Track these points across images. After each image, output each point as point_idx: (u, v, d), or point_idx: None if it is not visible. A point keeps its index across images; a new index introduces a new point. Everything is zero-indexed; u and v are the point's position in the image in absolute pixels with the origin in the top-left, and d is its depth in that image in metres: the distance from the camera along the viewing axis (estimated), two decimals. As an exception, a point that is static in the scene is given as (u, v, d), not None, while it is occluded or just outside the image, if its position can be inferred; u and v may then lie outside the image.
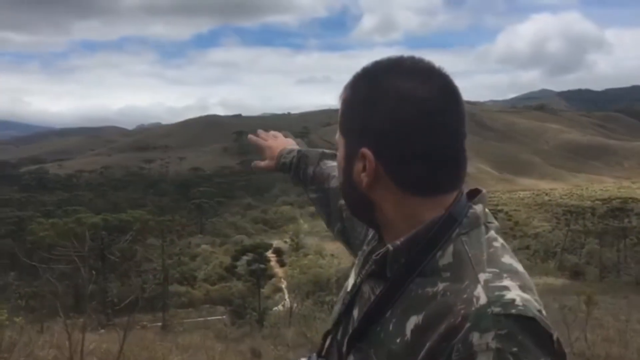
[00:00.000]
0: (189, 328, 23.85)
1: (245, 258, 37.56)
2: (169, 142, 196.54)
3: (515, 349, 0.77)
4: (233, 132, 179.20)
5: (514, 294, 0.81)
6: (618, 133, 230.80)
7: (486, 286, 0.83)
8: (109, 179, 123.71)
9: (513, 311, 0.79)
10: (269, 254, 45.99)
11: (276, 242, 57.37)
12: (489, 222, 0.95)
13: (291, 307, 24.58)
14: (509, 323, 0.78)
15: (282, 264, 48.59)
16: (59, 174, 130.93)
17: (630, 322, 10.54)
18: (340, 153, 1.00)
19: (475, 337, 0.78)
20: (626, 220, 62.18)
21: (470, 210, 0.93)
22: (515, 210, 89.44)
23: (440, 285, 0.87)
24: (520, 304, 0.80)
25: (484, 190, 1.01)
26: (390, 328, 0.90)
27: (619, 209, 67.23)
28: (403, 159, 0.91)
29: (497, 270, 0.86)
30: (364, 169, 0.93)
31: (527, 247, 55.78)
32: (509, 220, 73.53)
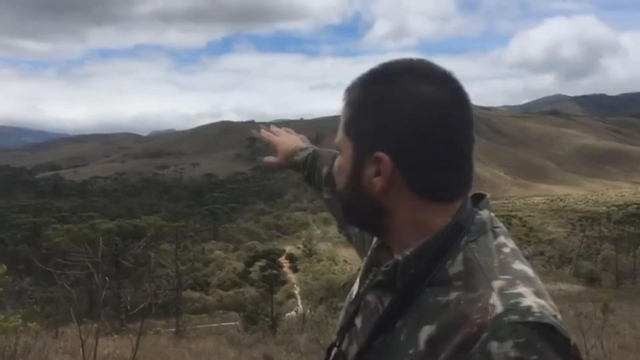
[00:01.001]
0: (202, 334, 23.90)
1: (258, 264, 37.59)
2: (183, 149, 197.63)
3: (534, 357, 0.76)
4: (246, 138, 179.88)
5: (530, 300, 0.81)
6: (633, 138, 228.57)
7: (501, 294, 0.82)
8: (123, 185, 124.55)
9: (530, 318, 0.78)
10: (282, 260, 46.00)
11: (289, 248, 57.40)
12: (496, 227, 0.93)
13: (304, 313, 24.51)
14: (527, 331, 0.78)
15: (295, 269, 48.60)
16: (74, 180, 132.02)
17: (648, 330, 10.41)
18: (345, 156, 0.96)
19: (493, 346, 0.77)
20: (642, 226, 61.50)
21: (477, 217, 0.92)
22: (529, 216, 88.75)
23: (453, 294, 0.85)
24: (537, 310, 0.79)
25: (488, 195, 0.99)
26: (402, 339, 0.88)
27: (635, 214, 66.43)
28: (421, 163, 0.89)
29: (510, 277, 0.85)
30: (378, 173, 0.91)
31: (542, 253, 55.34)
32: (524, 226, 72.96)
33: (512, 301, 0.80)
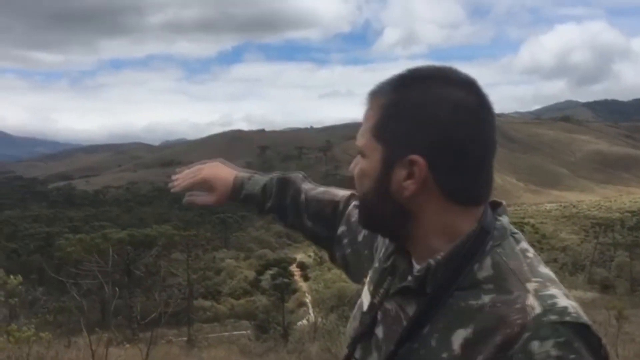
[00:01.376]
0: (213, 343, 23.91)
1: (269, 272, 37.58)
2: (194, 158, 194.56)
3: (573, 356, 0.79)
4: (257, 147, 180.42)
5: (564, 301, 0.84)
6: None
7: (537, 295, 0.84)
8: (135, 194, 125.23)
9: (568, 318, 0.82)
10: (293, 268, 45.94)
11: (300, 256, 57.32)
12: (514, 233, 0.96)
13: (315, 322, 24.44)
14: (566, 330, 0.81)
15: (306, 278, 48.52)
16: (87, 190, 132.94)
17: (663, 337, 10.28)
18: (371, 160, 0.95)
19: (535, 345, 0.80)
20: (657, 232, 60.85)
21: (497, 222, 0.94)
22: (542, 222, 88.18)
23: (486, 298, 0.87)
24: (573, 311, 0.83)
25: (504, 202, 1.00)
26: (433, 344, 0.89)
27: (649, 220, 65.88)
28: (455, 167, 0.91)
29: (541, 280, 0.88)
30: (409, 176, 0.92)
31: (555, 260, 54.78)
32: (536, 233, 72.46)
33: (549, 302, 0.83)
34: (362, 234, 1.28)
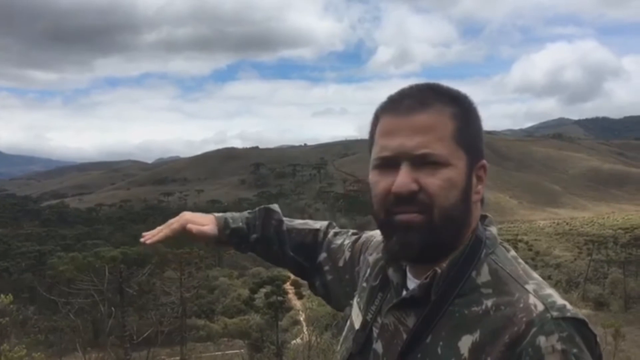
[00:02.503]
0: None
1: (263, 290, 37.38)
2: (188, 175, 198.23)
3: (575, 350, 0.85)
4: (251, 165, 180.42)
5: (561, 300, 0.91)
6: (638, 161, 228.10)
7: (537, 295, 0.91)
8: (128, 212, 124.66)
9: (568, 314, 0.88)
10: (287, 286, 45.68)
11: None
12: (502, 243, 1.02)
13: (309, 340, 24.27)
14: (567, 326, 0.87)
15: (300, 296, 48.23)
16: (79, 208, 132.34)
17: (659, 355, 10.25)
18: (458, 168, 0.96)
19: (542, 340, 0.85)
20: (650, 249, 60.99)
21: (487, 232, 1.00)
22: (535, 239, 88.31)
23: (488, 302, 0.92)
24: (571, 308, 0.90)
25: (489, 215, 1.05)
26: (439, 352, 0.92)
27: (642, 237, 66.05)
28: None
29: (537, 281, 0.94)
30: (479, 180, 1.00)
31: (549, 277, 54.72)
32: (530, 250, 72.60)
33: (549, 300, 0.90)
34: (343, 259, 1.31)
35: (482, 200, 1.01)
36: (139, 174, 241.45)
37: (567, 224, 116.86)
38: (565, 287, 53.46)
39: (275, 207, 1.43)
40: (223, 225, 1.38)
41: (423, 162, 0.95)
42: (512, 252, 1.00)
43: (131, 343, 19.76)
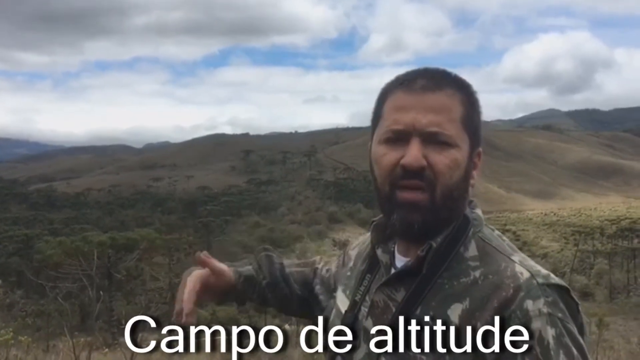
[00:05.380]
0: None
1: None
2: (177, 161, 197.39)
3: (560, 315, 0.92)
4: (241, 151, 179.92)
5: (545, 270, 0.97)
6: (626, 153, 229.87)
7: (522, 264, 0.97)
8: (117, 197, 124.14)
9: (553, 281, 0.95)
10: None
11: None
12: (486, 224, 1.08)
13: (298, 327, 24.43)
14: (552, 291, 0.93)
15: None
16: (68, 192, 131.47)
17: (642, 344, 10.40)
18: (462, 150, 1.01)
19: (529, 304, 0.91)
20: (636, 240, 61.69)
21: (473, 213, 1.07)
22: (523, 230, 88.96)
23: (476, 273, 0.98)
24: (554, 276, 0.97)
25: (474, 199, 1.10)
26: (429, 320, 0.97)
27: (628, 229, 66.79)
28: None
29: (522, 255, 1.01)
30: (475, 167, 1.06)
31: (536, 267, 55.37)
32: (517, 240, 73.15)
33: (534, 268, 0.97)
34: (333, 278, 1.32)
35: (472, 186, 1.07)
36: (128, 158, 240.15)
37: (554, 214, 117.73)
38: (552, 277, 54.05)
39: (272, 251, 1.41)
40: (235, 274, 1.30)
41: (433, 140, 0.98)
42: (497, 232, 1.07)
43: (119, 328, 19.75)
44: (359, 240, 1.29)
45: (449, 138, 0.99)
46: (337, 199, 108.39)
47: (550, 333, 0.90)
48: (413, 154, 0.98)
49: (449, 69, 1.06)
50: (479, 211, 1.08)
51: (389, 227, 1.05)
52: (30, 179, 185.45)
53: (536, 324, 0.90)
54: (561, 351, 0.89)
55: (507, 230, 74.84)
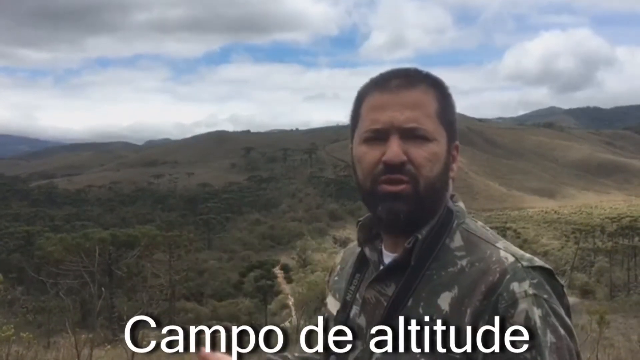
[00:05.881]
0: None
1: (252, 274, 37.46)
2: (178, 158, 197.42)
3: (545, 296, 0.96)
4: (242, 148, 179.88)
5: (528, 254, 1.02)
6: (627, 151, 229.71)
7: (507, 250, 1.02)
8: (117, 194, 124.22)
9: (537, 264, 0.99)
10: (276, 270, 45.87)
11: (283, 259, 57.19)
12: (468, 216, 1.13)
13: (298, 324, 24.41)
14: (537, 274, 0.98)
15: (289, 280, 48.45)
16: (69, 189, 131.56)
17: (642, 342, 10.40)
18: (440, 144, 1.05)
19: (515, 286, 0.95)
20: (636, 238, 61.66)
21: (456, 206, 1.11)
22: (523, 227, 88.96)
23: (463, 262, 1.02)
24: (538, 259, 1.01)
25: (456, 193, 1.14)
26: (421, 311, 1.00)
27: (628, 227, 66.75)
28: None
29: (506, 242, 1.06)
30: (453, 160, 1.09)
31: (536, 265, 55.34)
32: (518, 237, 73.12)
33: (518, 253, 1.02)
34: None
35: (453, 179, 1.10)
36: (129, 155, 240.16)
37: (555, 212, 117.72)
38: (552, 275, 54.04)
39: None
40: None
41: (411, 135, 1.03)
42: (480, 222, 1.10)
43: (120, 324, 19.79)
44: (341, 251, 1.33)
45: (426, 132, 1.03)
46: (337, 197, 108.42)
47: (536, 313, 0.93)
48: (393, 150, 1.02)
49: (436, 68, 1.09)
50: (461, 204, 1.12)
51: (376, 221, 1.09)
52: (32, 175, 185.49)
53: (522, 305, 0.94)
54: (548, 330, 0.93)
55: (508, 228, 74.84)
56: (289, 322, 32.62)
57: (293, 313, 35.88)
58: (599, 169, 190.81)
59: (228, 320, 35.04)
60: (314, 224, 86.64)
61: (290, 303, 40.03)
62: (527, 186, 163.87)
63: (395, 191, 1.03)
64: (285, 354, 1.28)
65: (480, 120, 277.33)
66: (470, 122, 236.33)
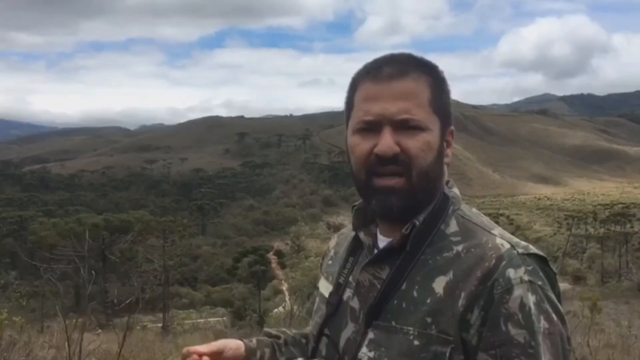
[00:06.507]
0: (189, 329, 23.81)
1: (246, 260, 37.51)
2: (171, 143, 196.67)
3: (540, 283, 0.98)
4: (236, 134, 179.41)
5: (523, 242, 1.04)
6: (621, 138, 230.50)
7: (502, 237, 1.04)
8: (111, 179, 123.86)
9: (532, 251, 1.02)
10: (270, 256, 45.98)
11: (277, 244, 57.33)
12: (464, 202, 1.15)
13: (292, 309, 24.50)
14: (532, 260, 1.00)
15: (283, 265, 48.59)
16: (61, 174, 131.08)
17: (632, 328, 10.49)
18: (433, 133, 1.06)
19: (511, 272, 0.97)
20: (628, 225, 62.12)
21: (451, 192, 1.12)
22: (516, 214, 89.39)
23: (459, 247, 1.04)
24: (533, 247, 1.03)
25: (451, 179, 1.14)
26: (415, 295, 1.02)
27: (620, 214, 67.24)
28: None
29: (501, 229, 1.08)
30: (448, 145, 1.10)
31: (529, 252, 55.62)
32: (511, 224, 73.41)
33: (514, 240, 1.03)
34: None
35: (448, 164, 1.11)
36: (122, 140, 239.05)
37: (548, 199, 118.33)
38: (544, 261, 54.33)
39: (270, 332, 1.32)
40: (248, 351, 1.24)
41: (404, 126, 1.03)
42: (475, 209, 1.12)
43: (113, 309, 19.81)
44: (335, 236, 1.34)
45: (419, 122, 1.04)
46: (331, 183, 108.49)
47: (531, 299, 0.96)
48: (385, 142, 1.03)
49: (431, 54, 1.10)
50: (456, 190, 1.13)
51: (370, 212, 1.12)
52: (24, 160, 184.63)
53: (518, 292, 0.96)
54: (542, 316, 0.96)
55: (501, 215, 75.08)
56: (283, 307, 32.76)
57: (287, 298, 36.02)
58: (593, 156, 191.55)
59: (221, 305, 35.20)
60: (308, 210, 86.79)
61: (284, 288, 40.18)
62: (521, 173, 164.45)
63: (389, 185, 1.04)
64: (284, 329, 1.34)
65: (474, 106, 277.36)
66: (464, 108, 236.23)
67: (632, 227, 60.89)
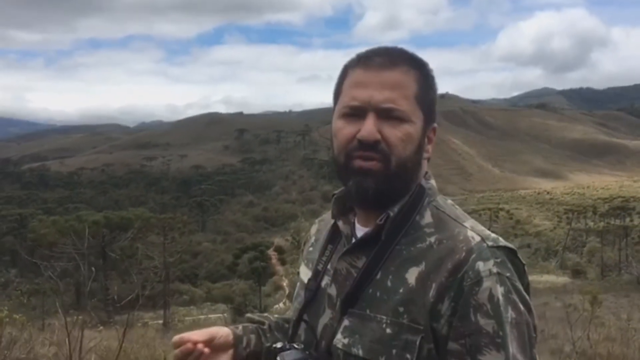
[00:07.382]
0: (190, 326, 23.85)
1: (246, 256, 37.52)
2: (171, 140, 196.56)
3: (508, 274, 1.02)
4: (235, 130, 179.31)
5: (493, 234, 1.07)
6: (620, 132, 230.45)
7: (474, 229, 1.07)
8: (110, 176, 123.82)
9: (501, 244, 1.05)
10: (270, 252, 45.99)
11: (277, 240, 57.32)
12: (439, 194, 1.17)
13: (282, 303, 24.57)
14: (501, 253, 1.03)
15: (283, 262, 48.61)
16: (61, 172, 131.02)
17: (632, 321, 10.51)
18: (416, 126, 1.08)
19: (480, 265, 1.01)
20: (628, 219, 62.16)
21: (428, 184, 1.14)
22: (516, 208, 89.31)
23: (431, 239, 1.07)
24: (502, 239, 1.06)
25: (429, 171, 1.17)
26: (389, 284, 1.06)
27: (620, 207, 67.29)
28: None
29: (473, 222, 1.11)
30: (429, 141, 1.13)
31: (528, 246, 55.69)
32: (510, 218, 73.40)
33: (484, 233, 1.07)
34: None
35: (428, 159, 1.14)
36: (121, 137, 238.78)
37: (547, 193, 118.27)
38: (544, 255, 54.35)
39: (253, 317, 1.35)
40: (236, 340, 1.24)
41: (388, 115, 1.06)
42: (450, 201, 1.15)
43: (113, 306, 19.81)
44: (316, 222, 1.37)
45: (402, 114, 1.06)
46: (331, 178, 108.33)
47: (499, 291, 0.99)
48: (368, 128, 1.05)
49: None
50: (433, 182, 1.15)
51: (346, 195, 1.13)
52: (23, 158, 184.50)
53: (487, 283, 0.99)
54: (509, 306, 1.00)
55: (501, 209, 75.07)
56: (283, 303, 32.80)
57: (287, 294, 36.07)
58: (592, 150, 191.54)
59: (222, 302, 35.24)
60: (308, 206, 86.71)
61: (284, 284, 40.25)
62: (521, 167, 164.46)
63: (366, 167, 1.07)
64: (266, 314, 1.39)
65: (473, 101, 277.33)
66: (463, 103, 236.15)
67: (631, 220, 60.90)
